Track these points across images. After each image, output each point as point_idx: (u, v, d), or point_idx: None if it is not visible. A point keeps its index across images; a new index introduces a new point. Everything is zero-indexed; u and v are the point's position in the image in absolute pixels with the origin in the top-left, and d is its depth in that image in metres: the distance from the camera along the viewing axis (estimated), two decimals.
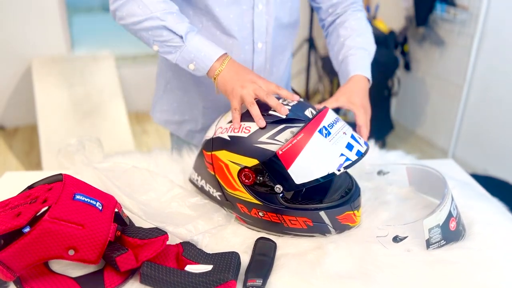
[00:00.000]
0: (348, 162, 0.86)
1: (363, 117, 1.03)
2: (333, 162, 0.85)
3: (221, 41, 1.12)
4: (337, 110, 1.05)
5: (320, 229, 0.90)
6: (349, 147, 0.88)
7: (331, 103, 1.03)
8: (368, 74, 1.12)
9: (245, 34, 1.12)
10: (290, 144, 0.85)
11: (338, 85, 1.48)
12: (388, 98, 3.14)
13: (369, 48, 1.17)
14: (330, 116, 0.91)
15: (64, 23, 3.52)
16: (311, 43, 3.52)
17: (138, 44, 1.29)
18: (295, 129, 0.87)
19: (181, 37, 0.98)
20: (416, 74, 3.32)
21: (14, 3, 3.29)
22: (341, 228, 0.91)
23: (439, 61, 3.06)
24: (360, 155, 0.88)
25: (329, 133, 0.87)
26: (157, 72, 1.31)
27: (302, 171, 0.85)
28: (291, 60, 1.30)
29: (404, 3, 3.11)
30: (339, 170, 0.85)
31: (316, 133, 0.86)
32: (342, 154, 0.86)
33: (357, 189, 0.95)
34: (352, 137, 0.90)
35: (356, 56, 1.13)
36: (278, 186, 0.86)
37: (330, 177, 0.85)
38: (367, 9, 3.33)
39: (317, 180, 0.85)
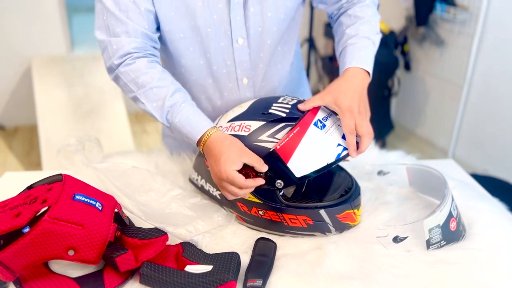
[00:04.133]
0: (345, 152, 0.87)
1: (348, 122, 0.88)
2: (331, 153, 0.86)
3: (198, 83, 1.08)
4: None
5: (320, 228, 0.90)
6: (345, 137, 0.88)
7: (315, 101, 0.92)
8: (367, 66, 0.97)
9: (225, 71, 1.06)
10: (287, 139, 0.85)
11: None
12: (388, 98, 3.14)
13: (373, 38, 1.03)
14: (324, 110, 0.92)
15: (64, 23, 3.52)
16: (311, 43, 3.51)
17: None
18: None
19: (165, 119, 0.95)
20: (416, 74, 3.32)
21: (14, 3, 3.29)
22: (341, 227, 0.91)
23: (439, 61, 3.06)
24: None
25: (324, 126, 0.88)
26: None
27: (301, 164, 0.85)
28: (299, 58, 1.22)
29: (404, 3, 3.11)
30: (338, 159, 0.86)
31: (312, 126, 0.87)
32: (339, 144, 0.87)
33: (357, 188, 0.95)
34: None
35: (356, 45, 1.00)
36: (279, 181, 0.86)
37: (329, 167, 0.85)
38: None
39: (317, 171, 0.85)
